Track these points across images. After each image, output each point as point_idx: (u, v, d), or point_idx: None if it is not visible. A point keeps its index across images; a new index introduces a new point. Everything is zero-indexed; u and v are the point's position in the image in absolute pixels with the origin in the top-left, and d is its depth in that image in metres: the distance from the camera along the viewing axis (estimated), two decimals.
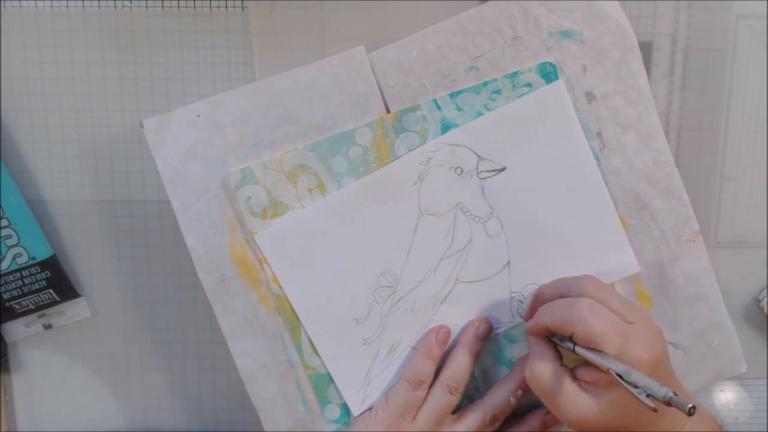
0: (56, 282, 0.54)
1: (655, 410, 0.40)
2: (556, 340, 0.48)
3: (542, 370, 0.46)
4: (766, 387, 0.58)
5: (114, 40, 0.53)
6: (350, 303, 0.52)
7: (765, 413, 0.58)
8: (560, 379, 0.46)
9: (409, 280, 0.52)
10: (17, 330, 0.56)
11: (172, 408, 0.58)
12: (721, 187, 0.55)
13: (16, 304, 0.54)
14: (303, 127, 0.51)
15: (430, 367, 0.51)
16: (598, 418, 0.44)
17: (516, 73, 0.51)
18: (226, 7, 0.52)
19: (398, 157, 0.52)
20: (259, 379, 0.53)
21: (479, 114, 0.51)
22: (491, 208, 0.52)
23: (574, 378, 0.46)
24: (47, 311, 0.56)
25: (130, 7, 0.52)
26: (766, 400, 0.58)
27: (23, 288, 0.54)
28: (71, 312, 0.56)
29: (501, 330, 0.54)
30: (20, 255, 0.53)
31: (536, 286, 0.53)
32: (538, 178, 0.52)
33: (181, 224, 0.51)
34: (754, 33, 0.52)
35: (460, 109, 0.51)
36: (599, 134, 0.52)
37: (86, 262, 0.56)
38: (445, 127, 0.52)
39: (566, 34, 0.51)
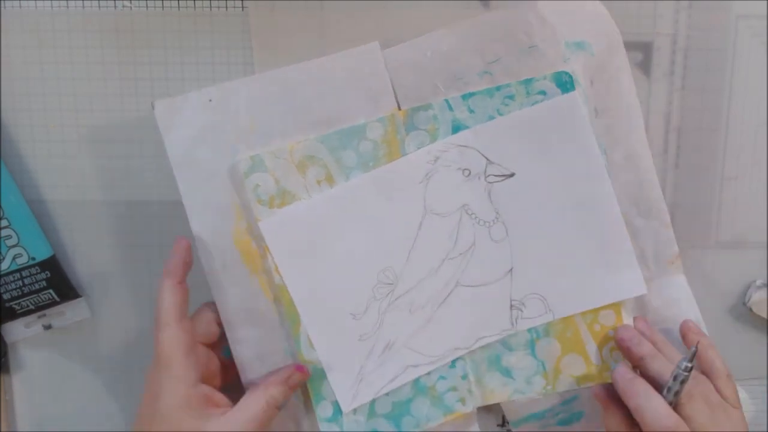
0: (56, 282, 0.54)
1: None
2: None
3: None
4: (766, 387, 0.58)
5: (114, 40, 0.53)
6: (349, 297, 0.52)
7: (765, 413, 0.58)
8: None
9: (409, 278, 0.52)
10: (17, 330, 0.56)
11: None
12: (721, 187, 0.55)
13: (15, 304, 0.54)
14: (315, 118, 0.51)
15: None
16: None
17: (531, 80, 0.50)
18: (226, 7, 0.52)
19: (407, 155, 0.51)
20: (255, 366, 0.52)
21: (491, 118, 0.51)
22: (497, 212, 0.52)
23: None
24: (47, 311, 0.56)
25: (130, 7, 0.52)
26: (766, 400, 0.58)
27: (23, 288, 0.54)
28: (71, 312, 0.56)
29: (499, 337, 0.53)
30: (20, 255, 0.53)
31: (538, 296, 0.52)
32: (547, 188, 0.51)
33: (186, 208, 0.50)
34: (754, 33, 0.52)
35: (471, 112, 0.51)
36: (605, 151, 0.51)
37: (86, 262, 0.56)
38: (456, 128, 0.51)
39: (580, 46, 0.50)
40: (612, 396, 0.50)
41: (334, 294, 0.52)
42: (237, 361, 0.52)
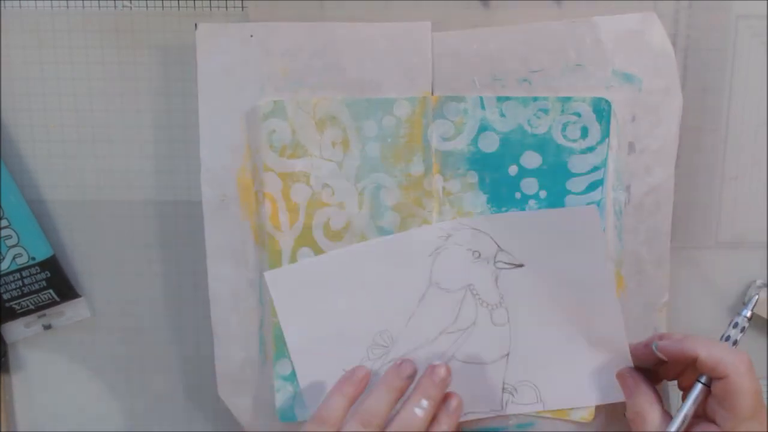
0: (56, 282, 0.54)
1: None
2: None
3: (652, 413, 0.47)
4: (766, 387, 0.58)
5: (114, 40, 0.53)
6: (343, 353, 0.52)
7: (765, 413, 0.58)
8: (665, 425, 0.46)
9: (404, 345, 0.52)
10: (17, 330, 0.56)
11: (172, 408, 0.58)
12: (721, 187, 0.55)
13: (15, 304, 0.54)
14: (347, 80, 0.51)
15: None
16: None
17: (569, 98, 0.50)
18: (226, 7, 0.52)
19: (421, 225, 0.52)
20: (226, 306, 0.53)
21: (521, 126, 0.50)
22: (502, 297, 0.52)
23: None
24: (47, 311, 0.56)
25: (130, 7, 0.52)
26: (766, 399, 0.58)
27: (23, 288, 0.54)
28: (71, 312, 0.56)
29: (484, 416, 0.53)
30: (20, 255, 0.53)
31: (531, 385, 0.53)
32: (555, 286, 0.51)
33: (201, 134, 0.51)
34: (754, 33, 0.52)
35: (503, 116, 0.51)
36: (628, 188, 0.51)
37: (86, 262, 0.56)
38: (484, 128, 0.51)
39: (628, 78, 0.50)
40: (638, 376, 0.50)
41: (329, 347, 0.52)
42: (211, 296, 0.53)
